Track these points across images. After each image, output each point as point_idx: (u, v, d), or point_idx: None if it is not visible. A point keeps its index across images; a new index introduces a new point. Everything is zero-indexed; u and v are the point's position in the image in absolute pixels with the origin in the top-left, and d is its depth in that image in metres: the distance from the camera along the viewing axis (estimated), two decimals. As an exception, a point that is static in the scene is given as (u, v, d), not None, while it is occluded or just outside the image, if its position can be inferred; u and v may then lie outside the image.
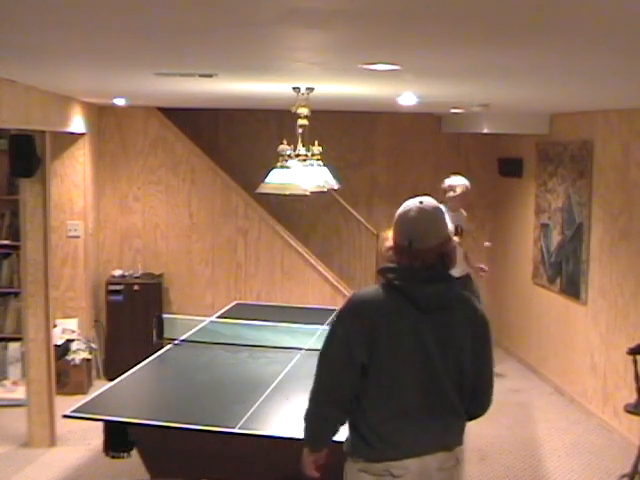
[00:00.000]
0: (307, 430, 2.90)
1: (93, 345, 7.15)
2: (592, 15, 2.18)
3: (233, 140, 8.49)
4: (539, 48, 2.88)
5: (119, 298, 7.31)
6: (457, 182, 6.58)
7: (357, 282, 8.45)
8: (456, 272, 2.88)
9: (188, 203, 7.64)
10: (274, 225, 7.67)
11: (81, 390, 6.63)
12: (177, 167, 7.61)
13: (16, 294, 6.64)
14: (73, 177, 7.10)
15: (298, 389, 4.45)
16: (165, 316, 5.70)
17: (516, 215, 8.34)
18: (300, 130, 4.92)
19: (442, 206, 2.90)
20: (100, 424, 3.93)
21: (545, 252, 7.47)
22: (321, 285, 7.61)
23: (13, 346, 6.71)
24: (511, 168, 8.26)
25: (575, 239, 6.81)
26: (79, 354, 6.85)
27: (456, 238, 5.50)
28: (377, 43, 2.90)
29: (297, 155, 4.91)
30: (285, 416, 4.02)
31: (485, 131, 7.75)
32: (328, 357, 2.78)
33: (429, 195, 2.86)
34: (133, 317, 7.25)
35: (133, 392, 4.52)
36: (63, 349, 6.75)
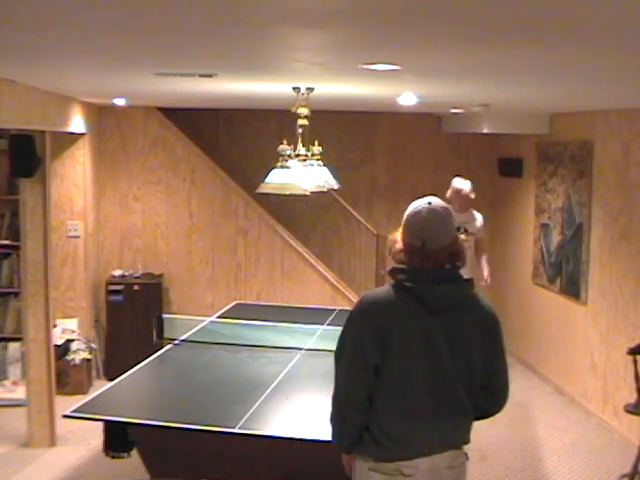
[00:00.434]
0: (333, 434, 2.91)
1: (93, 345, 7.15)
2: (592, 15, 2.18)
3: (233, 140, 8.49)
4: (539, 48, 2.88)
5: (119, 298, 7.31)
6: (462, 186, 6.50)
7: (357, 282, 8.46)
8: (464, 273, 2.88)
9: (188, 203, 7.64)
10: (274, 225, 7.67)
11: (81, 390, 6.64)
12: (177, 167, 7.61)
13: (16, 294, 6.64)
14: (73, 177, 7.10)
15: (298, 389, 4.46)
16: (165, 316, 5.70)
17: (516, 215, 8.34)
18: (300, 130, 4.92)
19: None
20: (100, 424, 3.93)
21: (545, 252, 7.47)
22: (321, 285, 7.61)
23: (13, 346, 6.71)
24: (511, 168, 8.26)
25: (575, 239, 6.81)
26: (79, 354, 6.85)
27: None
28: (377, 43, 2.90)
29: (297, 155, 4.91)
30: (285, 416, 4.02)
31: (485, 131, 7.75)
32: (342, 358, 2.79)
33: (435, 195, 2.87)
34: (133, 317, 7.25)
35: (133, 392, 4.52)
36: (63, 349, 6.75)
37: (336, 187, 5.51)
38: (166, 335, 5.37)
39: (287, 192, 4.75)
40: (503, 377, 2.91)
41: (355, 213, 8.51)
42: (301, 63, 3.58)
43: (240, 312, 6.30)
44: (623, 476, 5.18)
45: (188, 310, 7.28)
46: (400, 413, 2.74)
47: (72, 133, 6.70)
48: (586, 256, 6.60)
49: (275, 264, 7.63)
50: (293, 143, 4.93)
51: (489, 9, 2.13)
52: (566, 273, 7.00)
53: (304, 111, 4.88)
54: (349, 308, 7.70)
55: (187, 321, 5.96)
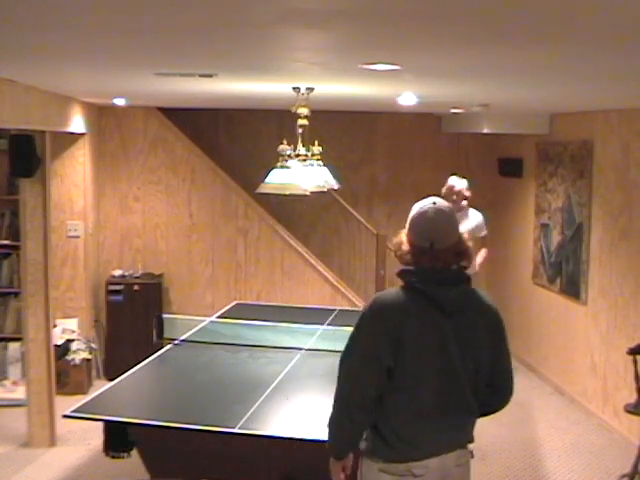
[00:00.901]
0: (334, 437, 2.86)
1: (93, 345, 7.15)
2: (592, 15, 2.18)
3: (233, 140, 8.49)
4: (539, 48, 2.88)
5: (119, 298, 7.31)
6: (458, 184, 6.37)
7: (357, 282, 8.46)
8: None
9: (188, 203, 7.64)
10: (274, 225, 7.67)
11: (81, 390, 6.64)
12: (177, 167, 7.61)
13: (16, 294, 6.64)
14: (73, 177, 7.10)
15: (298, 389, 4.46)
16: (165, 316, 5.70)
17: (516, 215, 8.34)
18: (300, 130, 4.92)
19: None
20: (100, 424, 3.93)
21: (545, 252, 7.47)
22: (321, 285, 7.61)
23: (13, 346, 6.71)
24: (511, 168, 8.26)
25: (575, 239, 6.81)
26: (79, 354, 6.85)
27: None
28: (377, 43, 2.90)
29: (297, 155, 4.91)
30: (285, 416, 4.02)
31: (485, 131, 7.75)
32: (354, 360, 2.76)
33: (435, 195, 2.88)
34: (133, 317, 7.25)
35: (133, 392, 4.52)
36: (63, 349, 6.75)
37: (336, 187, 5.51)
38: (166, 335, 5.37)
39: (287, 192, 4.75)
40: (508, 374, 2.93)
41: (355, 213, 8.51)
42: (301, 63, 3.57)
43: (240, 312, 6.30)
44: (623, 476, 5.18)
45: (188, 310, 7.28)
46: (412, 414, 2.74)
47: (72, 133, 6.70)
48: (586, 256, 6.60)
49: (275, 264, 7.63)
50: (293, 143, 4.93)
51: (489, 9, 2.13)
52: (566, 273, 7.00)
53: (304, 111, 4.87)
54: (349, 308, 7.75)
55: (187, 321, 5.96)
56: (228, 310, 6.49)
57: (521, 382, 7.32)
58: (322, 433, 2.87)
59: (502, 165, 8.46)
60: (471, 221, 6.22)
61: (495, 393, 2.91)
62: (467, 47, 2.91)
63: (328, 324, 5.85)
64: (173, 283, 7.66)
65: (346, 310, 6.76)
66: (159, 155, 7.59)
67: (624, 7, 2.05)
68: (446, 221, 2.77)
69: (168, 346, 5.29)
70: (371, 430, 2.81)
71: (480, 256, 6.27)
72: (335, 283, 7.67)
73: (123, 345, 7.19)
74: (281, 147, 4.78)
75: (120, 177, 7.61)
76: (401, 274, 2.79)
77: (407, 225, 2.82)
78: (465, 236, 2.83)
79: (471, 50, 2.99)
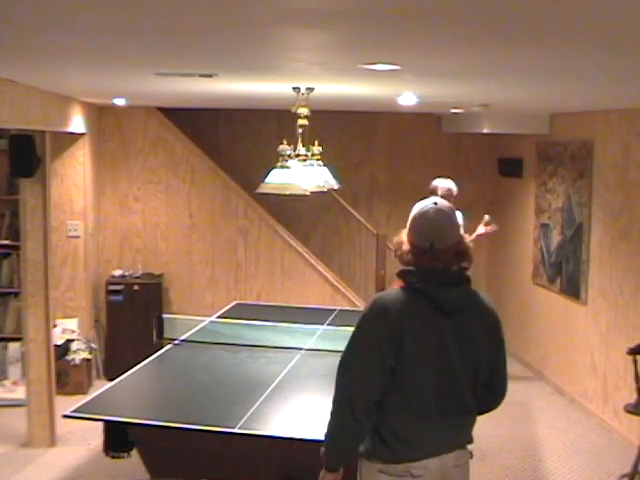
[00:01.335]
0: (334, 444, 2.79)
1: (93, 345, 7.15)
2: (592, 15, 2.18)
3: (233, 140, 8.49)
4: (539, 48, 2.88)
5: (119, 298, 7.31)
6: (440, 184, 6.25)
7: (357, 282, 8.46)
8: None
9: (188, 203, 7.64)
10: (274, 225, 7.67)
11: (81, 390, 6.63)
12: (177, 167, 7.61)
13: (16, 294, 6.64)
14: (73, 177, 7.10)
15: (298, 389, 4.46)
16: (165, 316, 5.70)
17: (516, 215, 8.34)
18: (300, 130, 4.92)
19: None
20: (100, 424, 3.93)
21: (545, 252, 7.47)
22: (321, 285, 7.61)
23: (13, 346, 6.71)
24: (511, 168, 8.26)
25: (575, 239, 6.81)
26: (79, 354, 6.85)
27: None
28: (377, 43, 2.90)
29: (297, 155, 4.91)
30: (285, 416, 4.02)
31: (485, 131, 7.75)
32: (357, 363, 2.72)
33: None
34: (133, 317, 7.25)
35: (133, 392, 4.52)
36: (63, 349, 6.75)
37: (336, 187, 5.50)
38: (166, 335, 5.37)
39: (287, 192, 4.75)
40: (504, 375, 2.94)
41: (355, 213, 8.51)
42: (301, 63, 3.57)
43: (240, 312, 6.30)
44: (623, 476, 5.18)
45: (188, 310, 7.28)
46: (412, 415, 2.73)
47: (72, 133, 6.70)
48: (586, 256, 6.60)
49: (275, 264, 7.63)
50: (293, 143, 4.93)
51: (489, 9, 2.13)
52: (566, 273, 7.00)
53: (304, 111, 4.87)
54: (349, 308, 7.75)
55: (187, 321, 5.96)
56: (228, 310, 6.49)
57: (521, 382, 7.33)
58: (322, 433, 2.86)
59: (502, 165, 8.46)
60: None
61: (491, 393, 2.92)
62: (467, 47, 2.91)
63: (328, 324, 5.85)
64: (173, 283, 7.66)
65: (346, 310, 6.76)
66: (159, 155, 7.59)
67: (624, 7, 2.05)
68: (447, 221, 2.76)
69: (168, 346, 5.29)
70: (370, 432, 2.80)
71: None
72: (335, 283, 7.67)
73: (123, 345, 7.19)
74: (281, 147, 4.78)
75: (120, 177, 7.61)
76: (402, 274, 2.79)
77: (408, 225, 2.81)
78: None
79: (471, 50, 2.99)
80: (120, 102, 6.79)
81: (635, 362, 5.16)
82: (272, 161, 4.79)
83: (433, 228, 2.73)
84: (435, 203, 2.78)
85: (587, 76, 3.86)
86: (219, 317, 6.18)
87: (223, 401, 4.20)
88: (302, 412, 4.10)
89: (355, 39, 2.77)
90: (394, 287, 2.91)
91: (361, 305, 7.11)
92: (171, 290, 7.66)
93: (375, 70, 3.59)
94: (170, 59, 3.63)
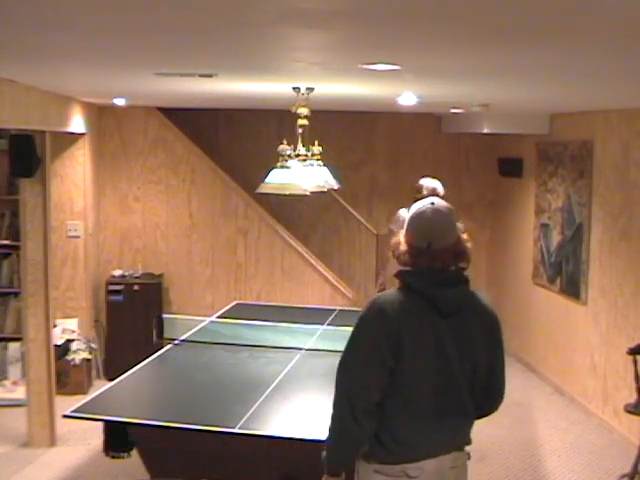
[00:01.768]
0: (334, 451, 2.78)
1: (93, 345, 7.15)
2: (592, 15, 2.18)
3: (233, 140, 8.49)
4: (539, 48, 2.88)
5: (119, 298, 7.31)
6: (426, 183, 6.13)
7: (357, 282, 8.46)
8: None
9: (188, 203, 7.64)
10: (274, 225, 7.67)
11: (81, 390, 6.63)
12: (177, 167, 7.61)
13: (16, 294, 6.64)
14: (73, 177, 7.10)
15: (298, 389, 4.46)
16: (165, 316, 5.70)
17: (516, 215, 8.34)
18: (300, 130, 4.92)
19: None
20: (100, 424, 3.93)
21: (545, 252, 7.47)
22: (321, 285, 7.61)
23: (13, 346, 6.71)
24: (511, 168, 8.26)
25: (575, 239, 6.81)
26: (79, 354, 6.85)
27: None
28: (377, 43, 2.90)
29: (297, 155, 4.91)
30: (285, 416, 4.02)
31: (485, 131, 7.74)
32: (356, 362, 2.71)
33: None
34: (133, 317, 7.25)
35: (133, 392, 4.52)
36: (63, 349, 6.75)
37: (336, 187, 5.50)
38: (166, 335, 5.37)
39: (287, 192, 4.75)
40: (501, 378, 2.92)
41: (355, 213, 8.51)
42: (301, 63, 3.57)
43: (240, 312, 6.30)
44: (623, 476, 5.18)
45: (188, 310, 7.28)
46: (409, 416, 2.72)
47: (72, 133, 6.70)
48: (586, 256, 6.60)
49: (275, 264, 7.63)
50: (293, 143, 4.93)
51: (489, 9, 2.13)
52: (566, 273, 7.00)
53: (304, 111, 4.87)
54: (349, 308, 7.74)
55: (187, 321, 5.96)
56: (228, 310, 6.49)
57: (521, 382, 7.34)
58: (322, 433, 2.86)
59: (502, 165, 8.46)
60: None
61: (489, 397, 2.90)
62: (467, 47, 2.91)
63: (328, 324, 5.85)
64: (173, 283, 7.66)
65: (346, 310, 6.76)
66: (159, 155, 7.59)
67: (624, 7, 2.05)
68: (444, 221, 2.75)
69: (168, 346, 5.29)
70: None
71: None
72: (335, 283, 7.67)
73: (123, 345, 7.19)
74: (281, 147, 4.78)
75: (120, 177, 7.61)
76: (400, 275, 2.78)
77: (405, 225, 2.81)
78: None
79: (471, 50, 2.99)
80: (120, 102, 6.79)
81: (635, 362, 5.16)
82: (272, 161, 4.79)
83: (430, 228, 2.72)
84: (432, 203, 2.77)
85: (587, 76, 3.86)
86: (219, 317, 6.18)
87: (223, 401, 4.20)
88: (302, 412, 4.10)
89: (355, 39, 2.77)
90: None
91: (361, 305, 7.11)
92: (171, 290, 7.66)
93: (375, 70, 3.59)
94: (170, 59, 3.63)
